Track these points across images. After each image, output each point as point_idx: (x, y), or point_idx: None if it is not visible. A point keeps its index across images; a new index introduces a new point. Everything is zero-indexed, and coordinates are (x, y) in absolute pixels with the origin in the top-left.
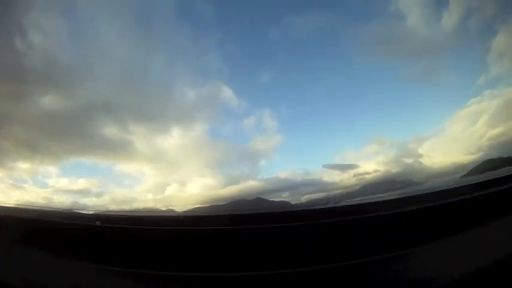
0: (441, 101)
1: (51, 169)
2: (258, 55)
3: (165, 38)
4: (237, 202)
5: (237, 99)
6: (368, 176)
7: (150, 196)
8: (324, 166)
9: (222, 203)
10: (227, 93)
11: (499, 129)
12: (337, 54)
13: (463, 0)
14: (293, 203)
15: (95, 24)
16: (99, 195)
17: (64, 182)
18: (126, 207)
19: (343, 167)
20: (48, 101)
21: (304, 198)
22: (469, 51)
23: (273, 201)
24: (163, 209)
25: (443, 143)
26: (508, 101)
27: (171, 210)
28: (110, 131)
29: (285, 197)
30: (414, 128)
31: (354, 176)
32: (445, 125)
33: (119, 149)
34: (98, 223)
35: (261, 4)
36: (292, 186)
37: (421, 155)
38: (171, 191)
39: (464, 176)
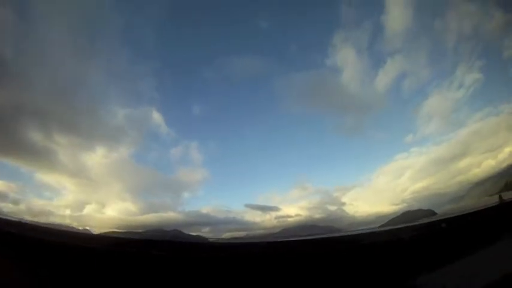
0: (369, 154)
1: None
2: (193, 88)
3: (105, 55)
4: (155, 231)
5: (166, 128)
6: (290, 219)
7: (67, 212)
8: (246, 206)
9: (140, 230)
10: (157, 120)
11: (422, 184)
12: (271, 98)
13: (399, 62)
14: (211, 239)
15: (38, 27)
16: (15, 202)
17: None
18: (42, 219)
19: (266, 208)
20: None
21: (225, 235)
22: (400, 110)
23: (189, 235)
24: (80, 228)
25: (368, 193)
26: (432, 159)
27: (87, 231)
28: (35, 136)
29: (205, 232)
30: (340, 177)
31: (276, 218)
32: (371, 177)
33: (42, 156)
34: None
35: (201, 40)
36: (213, 222)
37: (344, 203)
38: (89, 210)
39: (383, 226)
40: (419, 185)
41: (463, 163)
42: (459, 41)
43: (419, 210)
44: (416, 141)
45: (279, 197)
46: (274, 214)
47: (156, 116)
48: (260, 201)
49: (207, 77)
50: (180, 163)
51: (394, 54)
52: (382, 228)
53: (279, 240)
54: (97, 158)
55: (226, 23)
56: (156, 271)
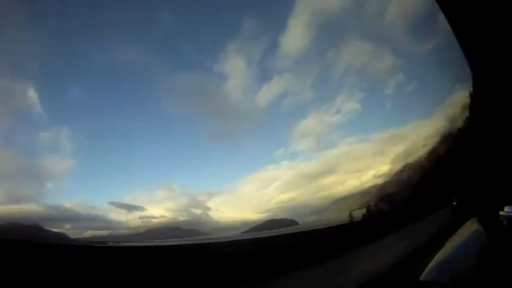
0: (239, 161)
1: None
2: (74, 71)
3: None
4: (14, 225)
5: (39, 108)
6: (155, 220)
7: None
8: (111, 203)
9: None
10: (32, 97)
11: (288, 195)
12: (151, 95)
13: (285, 81)
14: (73, 236)
15: None
16: None
17: None
18: None
19: (131, 208)
20: None
21: (87, 234)
22: (276, 125)
23: (50, 231)
24: None
25: (234, 200)
26: (300, 173)
27: None
28: None
29: (66, 228)
30: (208, 182)
31: (140, 218)
32: (238, 184)
33: None
34: None
35: (93, 20)
36: (75, 217)
37: (209, 208)
38: None
39: (246, 232)
40: (285, 196)
41: (329, 180)
42: (346, 73)
43: (283, 220)
44: (287, 155)
45: (145, 196)
46: (138, 214)
47: (31, 93)
48: (126, 199)
49: (92, 60)
50: (48, 149)
51: (282, 72)
52: (246, 236)
53: (144, 244)
54: None
55: (124, 10)
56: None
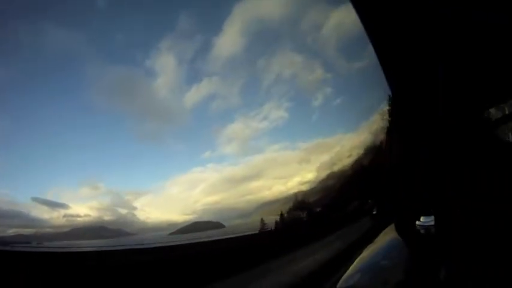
0: (165, 162)
1: None
2: None
3: None
4: None
5: None
6: (79, 219)
7: None
8: (34, 199)
9: None
10: None
11: (214, 198)
12: (76, 85)
13: (214, 84)
14: None
15: None
16: None
17: None
18: None
19: (54, 205)
20: None
21: (11, 231)
22: (203, 127)
23: None
24: None
25: (161, 201)
26: (226, 177)
27: None
28: None
29: None
30: (134, 181)
31: (65, 216)
32: (165, 185)
33: None
34: None
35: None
36: None
37: (135, 208)
38: None
39: (173, 233)
40: (211, 198)
41: (255, 184)
42: (276, 82)
43: (209, 222)
44: (213, 159)
45: (69, 193)
46: (63, 212)
47: None
48: (49, 196)
49: (17, 40)
50: None
51: (212, 75)
52: (172, 236)
53: (65, 250)
54: None
55: None
56: None
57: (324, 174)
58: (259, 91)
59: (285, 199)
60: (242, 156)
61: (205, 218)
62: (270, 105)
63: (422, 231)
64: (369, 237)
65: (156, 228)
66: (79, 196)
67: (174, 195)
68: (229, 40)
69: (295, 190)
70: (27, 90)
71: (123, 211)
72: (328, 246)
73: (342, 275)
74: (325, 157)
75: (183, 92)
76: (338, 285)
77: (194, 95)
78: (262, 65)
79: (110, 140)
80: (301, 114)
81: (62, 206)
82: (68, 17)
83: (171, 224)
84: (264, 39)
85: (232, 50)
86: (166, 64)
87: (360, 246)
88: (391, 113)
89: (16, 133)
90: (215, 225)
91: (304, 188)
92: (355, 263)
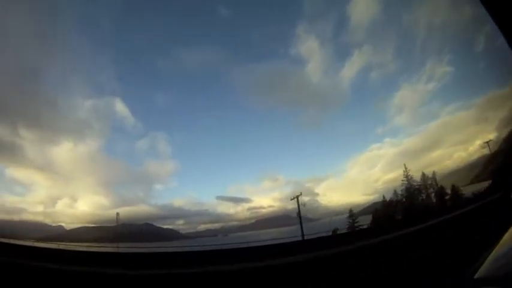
0: (340, 145)
1: None
2: (154, 80)
3: (62, 47)
4: (126, 225)
5: (132, 119)
6: (263, 211)
7: (40, 208)
8: (218, 197)
9: (111, 225)
10: (122, 111)
11: (393, 175)
12: (236, 90)
13: (366, 54)
14: (183, 231)
15: None
16: None
17: None
18: (15, 217)
19: (237, 200)
20: None
21: (200, 228)
22: (369, 102)
23: (160, 228)
24: (53, 224)
25: (341, 184)
26: (404, 150)
27: (61, 227)
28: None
29: (178, 224)
30: (313, 168)
31: (249, 209)
32: (344, 167)
33: (10, 152)
34: None
35: (158, 30)
36: (186, 214)
37: (317, 194)
38: (61, 205)
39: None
40: (391, 175)
41: (434, 154)
42: (428, 34)
43: (391, 201)
44: (388, 132)
45: (251, 188)
46: (246, 205)
47: (121, 107)
48: (231, 192)
49: (167, 68)
50: (149, 155)
51: (361, 45)
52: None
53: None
54: (64, 151)
55: (184, 11)
56: None
57: (505, 132)
58: (414, 49)
59: (469, 166)
60: (416, 125)
61: (387, 197)
62: (431, 62)
63: None
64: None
65: (338, 211)
66: (261, 189)
67: (353, 176)
68: (364, 4)
69: (478, 155)
70: (188, 104)
71: (305, 198)
72: None
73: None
74: (502, 112)
75: (336, 71)
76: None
77: (348, 70)
78: (408, 20)
79: (282, 133)
80: (467, 64)
81: (245, 200)
82: (197, 33)
83: (353, 206)
84: None
85: (371, 14)
86: (310, 48)
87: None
88: None
89: (189, 142)
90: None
91: (487, 151)
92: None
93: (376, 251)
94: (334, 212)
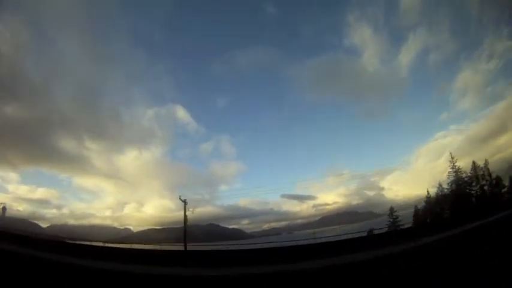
0: (403, 135)
1: (12, 175)
2: (210, 84)
3: (119, 59)
4: (191, 226)
5: (194, 124)
6: (328, 207)
7: (108, 213)
8: (283, 196)
9: (177, 226)
10: (183, 117)
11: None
12: (292, 88)
13: (420, 35)
14: (248, 231)
15: (58, 45)
16: (58, 207)
17: (24, 190)
18: (85, 222)
19: (302, 198)
20: (11, 111)
21: (265, 226)
22: (428, 87)
23: (226, 228)
24: (121, 227)
25: (407, 176)
26: (470, 136)
27: (128, 230)
28: (67, 144)
29: (244, 224)
30: (377, 162)
31: (314, 206)
32: (410, 159)
33: (78, 162)
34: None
35: (210, 36)
36: (252, 214)
37: (383, 188)
38: (129, 209)
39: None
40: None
41: (502, 140)
42: (481, 6)
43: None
44: (452, 118)
45: (316, 185)
46: (311, 203)
47: (182, 114)
48: (296, 190)
49: (223, 72)
50: (214, 157)
51: (415, 28)
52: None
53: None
54: (130, 159)
55: (233, 15)
56: None
57: None
58: (471, 25)
59: None
60: (482, 108)
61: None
62: (491, 38)
63: None
64: None
65: (404, 206)
66: (326, 185)
67: (419, 167)
68: None
69: None
70: (247, 106)
71: (371, 193)
72: None
73: None
74: None
75: (393, 57)
76: None
77: (405, 55)
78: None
79: (343, 128)
80: None
81: (310, 197)
82: (247, 34)
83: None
84: None
85: None
86: (363, 36)
87: None
88: None
89: (251, 143)
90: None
91: None
92: None
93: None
94: (400, 207)
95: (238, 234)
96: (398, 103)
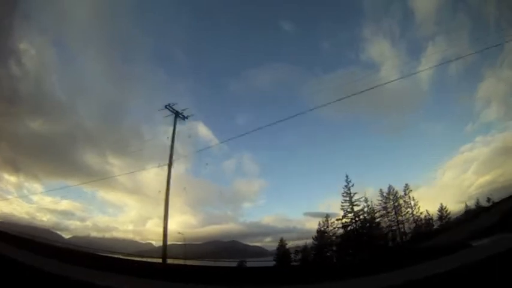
0: (427, 150)
1: (37, 186)
2: (231, 102)
3: (140, 78)
4: (212, 243)
5: (216, 141)
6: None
7: (130, 227)
8: (306, 214)
9: (198, 242)
10: (205, 134)
11: (487, 178)
12: (309, 105)
13: (439, 44)
14: (269, 249)
15: (82, 64)
16: (82, 219)
17: (48, 201)
18: (107, 235)
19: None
20: (37, 126)
21: (288, 245)
22: (451, 98)
23: (247, 245)
24: (143, 242)
25: (433, 192)
26: (498, 148)
27: (150, 244)
28: (92, 159)
29: (266, 241)
30: (401, 178)
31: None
32: (435, 174)
33: (101, 177)
34: None
35: (228, 54)
36: (274, 231)
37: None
38: (150, 224)
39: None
40: (485, 178)
41: None
42: (500, 12)
43: (478, 207)
44: (478, 129)
45: (339, 202)
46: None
47: (203, 131)
48: (319, 208)
49: (241, 90)
50: (237, 175)
51: (433, 38)
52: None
53: None
54: (152, 175)
55: (248, 34)
56: None
57: None
58: (490, 31)
59: None
60: (508, 117)
61: (482, 203)
62: (510, 42)
63: None
64: None
65: (424, 223)
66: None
67: (446, 182)
68: None
69: None
70: (270, 126)
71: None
72: None
73: None
74: None
75: (412, 68)
76: None
77: (425, 66)
78: (479, 2)
79: (365, 145)
80: None
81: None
82: (264, 51)
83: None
84: None
85: (435, 3)
86: (381, 49)
87: None
88: None
89: (274, 161)
90: (485, 209)
91: None
92: None
93: None
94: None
95: (260, 252)
96: (421, 116)
